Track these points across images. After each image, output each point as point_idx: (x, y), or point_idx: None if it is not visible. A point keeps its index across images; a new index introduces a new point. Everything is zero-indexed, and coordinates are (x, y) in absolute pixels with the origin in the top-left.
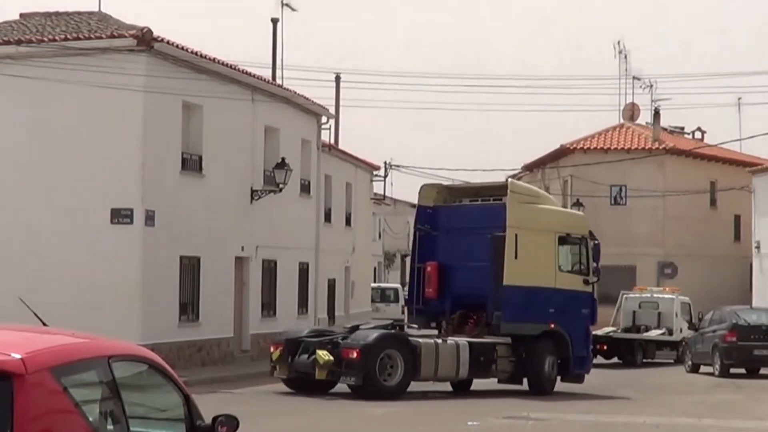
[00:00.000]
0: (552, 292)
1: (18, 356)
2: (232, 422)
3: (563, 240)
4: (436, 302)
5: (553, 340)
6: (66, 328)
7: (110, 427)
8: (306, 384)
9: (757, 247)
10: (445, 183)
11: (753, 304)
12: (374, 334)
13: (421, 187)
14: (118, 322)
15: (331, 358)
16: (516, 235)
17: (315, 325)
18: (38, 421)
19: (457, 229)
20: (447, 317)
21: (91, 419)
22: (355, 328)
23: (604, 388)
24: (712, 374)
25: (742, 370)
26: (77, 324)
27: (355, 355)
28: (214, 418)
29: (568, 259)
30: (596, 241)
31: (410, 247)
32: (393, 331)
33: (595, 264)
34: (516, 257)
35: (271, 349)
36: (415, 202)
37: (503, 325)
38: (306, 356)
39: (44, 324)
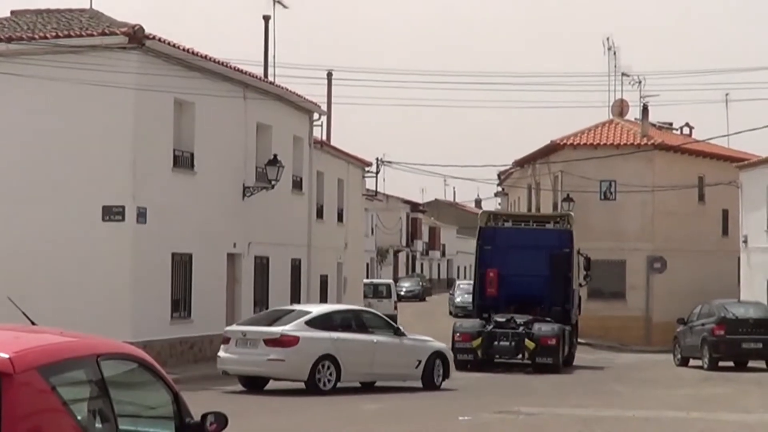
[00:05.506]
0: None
1: (6, 355)
2: (221, 419)
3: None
4: (493, 299)
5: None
6: (55, 327)
7: (99, 425)
8: (470, 363)
9: (745, 242)
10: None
11: (741, 298)
12: (556, 326)
13: (480, 213)
14: (109, 320)
15: (534, 344)
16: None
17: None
18: (26, 420)
19: (516, 246)
20: (502, 310)
21: (79, 418)
22: (529, 320)
23: (595, 382)
24: (701, 367)
25: (731, 363)
26: (68, 322)
27: (554, 341)
28: (203, 416)
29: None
30: (588, 256)
31: (474, 259)
32: (560, 324)
33: (586, 272)
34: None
35: (457, 337)
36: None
37: (573, 317)
38: (507, 343)
39: (33, 323)
